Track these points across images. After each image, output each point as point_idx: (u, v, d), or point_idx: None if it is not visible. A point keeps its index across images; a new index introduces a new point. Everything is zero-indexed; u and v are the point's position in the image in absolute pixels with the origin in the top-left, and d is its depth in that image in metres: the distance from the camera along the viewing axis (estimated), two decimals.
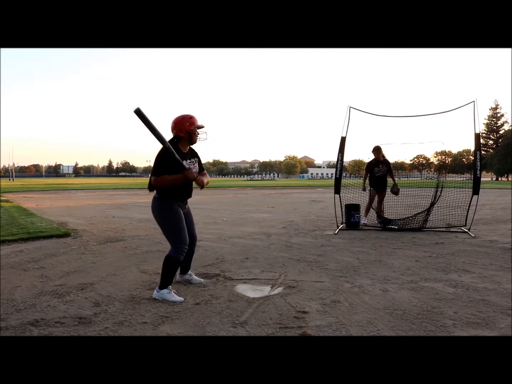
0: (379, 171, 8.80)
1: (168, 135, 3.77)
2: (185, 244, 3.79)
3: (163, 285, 3.74)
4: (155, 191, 3.82)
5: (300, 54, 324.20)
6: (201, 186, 3.86)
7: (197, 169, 3.94)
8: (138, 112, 3.36)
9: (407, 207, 9.40)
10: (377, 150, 8.89)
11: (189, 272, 4.32)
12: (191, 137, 3.80)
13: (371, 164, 8.88)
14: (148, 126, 3.45)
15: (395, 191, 8.91)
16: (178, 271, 4.24)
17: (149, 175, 3.91)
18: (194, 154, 3.97)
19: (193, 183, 3.91)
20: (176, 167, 3.64)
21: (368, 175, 8.89)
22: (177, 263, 3.81)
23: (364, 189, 9.02)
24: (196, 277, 4.34)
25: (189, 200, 4.03)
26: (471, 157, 70.66)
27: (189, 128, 3.76)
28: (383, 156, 8.99)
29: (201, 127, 3.83)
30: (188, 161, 3.82)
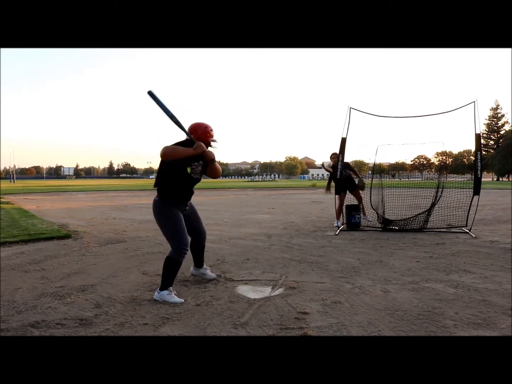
0: (342, 176, 8.90)
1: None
2: (185, 246, 3.81)
3: (164, 286, 3.75)
4: (156, 194, 3.87)
5: (300, 54, 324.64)
6: (210, 159, 3.82)
7: (201, 172, 3.98)
8: (151, 94, 3.68)
9: (407, 208, 9.38)
10: (334, 157, 9.03)
11: (204, 266, 4.44)
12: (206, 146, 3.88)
13: (333, 170, 8.96)
14: (160, 107, 3.72)
15: (361, 186, 9.15)
16: (193, 265, 4.41)
17: (155, 176, 3.94)
18: (200, 157, 3.97)
19: (193, 189, 4.03)
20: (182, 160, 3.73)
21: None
22: (177, 264, 3.82)
23: (328, 191, 9.30)
24: (210, 273, 4.45)
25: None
26: (471, 157, 70.62)
27: (207, 139, 3.85)
28: (341, 161, 9.06)
29: (215, 141, 3.93)
30: (196, 163, 3.88)
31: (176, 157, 3.63)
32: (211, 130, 3.89)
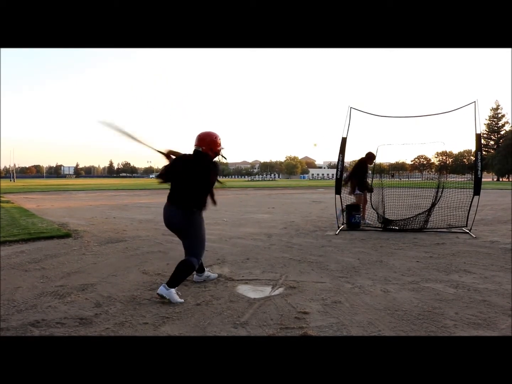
0: (368, 176, 9.01)
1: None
2: (203, 253, 4.04)
3: (175, 284, 3.76)
4: (179, 205, 3.87)
5: (300, 54, 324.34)
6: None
7: None
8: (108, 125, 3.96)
9: (408, 208, 9.39)
10: (373, 158, 9.00)
11: (206, 269, 4.50)
12: (215, 157, 4.01)
13: (365, 171, 8.89)
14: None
15: (370, 188, 9.10)
16: (195, 272, 4.37)
17: (186, 188, 3.88)
18: None
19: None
20: None
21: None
22: (194, 270, 3.96)
23: (356, 192, 8.91)
24: (212, 273, 4.54)
25: None
26: (472, 157, 70.57)
27: (218, 150, 3.99)
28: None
29: (223, 149, 4.06)
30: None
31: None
32: (219, 139, 3.99)
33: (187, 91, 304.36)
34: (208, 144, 3.90)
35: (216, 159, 4.03)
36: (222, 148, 4.03)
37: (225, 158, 4.09)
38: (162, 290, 3.72)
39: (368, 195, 9.08)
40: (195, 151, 3.93)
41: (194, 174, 3.84)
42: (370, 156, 9.00)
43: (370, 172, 8.99)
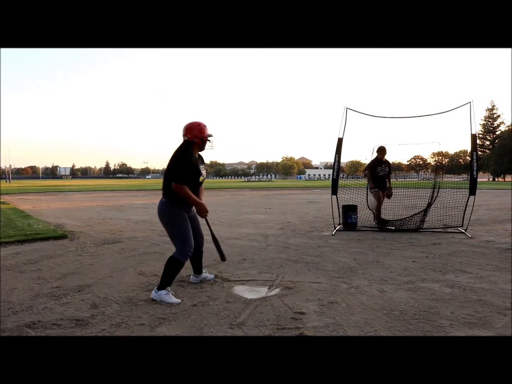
0: (381, 171, 8.74)
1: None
2: (190, 247, 3.83)
3: (163, 286, 3.74)
4: (162, 195, 3.86)
5: (299, 54, 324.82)
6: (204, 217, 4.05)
7: (205, 175, 4.07)
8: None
9: (404, 208, 9.41)
10: (382, 151, 8.78)
11: (203, 270, 4.44)
12: (203, 144, 3.95)
13: (373, 164, 8.77)
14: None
15: (389, 194, 8.91)
16: (192, 273, 4.38)
17: (164, 177, 3.90)
18: (202, 160, 4.10)
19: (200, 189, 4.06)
20: (194, 173, 3.82)
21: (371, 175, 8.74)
22: (180, 265, 3.82)
23: (372, 189, 8.77)
24: (209, 274, 4.49)
25: None
26: (467, 157, 70.78)
27: (204, 135, 3.91)
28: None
29: (211, 135, 4.00)
30: (201, 166, 3.99)
31: (183, 197, 3.74)
32: (205, 126, 3.94)
33: (185, 91, 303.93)
34: (193, 132, 3.87)
35: (206, 147, 3.99)
36: (210, 135, 3.97)
37: (211, 142, 4.01)
38: (153, 293, 3.75)
39: (369, 195, 9.02)
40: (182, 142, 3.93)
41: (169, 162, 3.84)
42: (379, 149, 8.79)
43: (382, 166, 8.82)
